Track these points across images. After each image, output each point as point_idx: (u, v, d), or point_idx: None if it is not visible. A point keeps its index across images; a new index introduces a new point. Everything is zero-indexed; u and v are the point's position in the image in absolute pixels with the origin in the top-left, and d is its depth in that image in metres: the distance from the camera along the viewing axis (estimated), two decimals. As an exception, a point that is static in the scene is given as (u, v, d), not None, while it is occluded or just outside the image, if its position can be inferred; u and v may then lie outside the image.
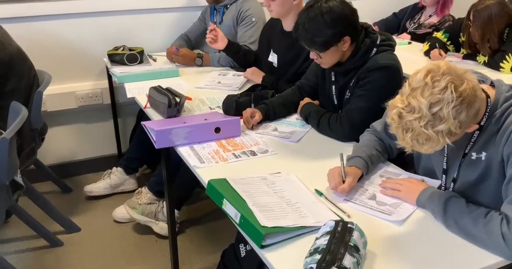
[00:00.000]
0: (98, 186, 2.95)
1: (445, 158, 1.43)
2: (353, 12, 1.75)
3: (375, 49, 1.79)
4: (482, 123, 1.29)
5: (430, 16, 3.48)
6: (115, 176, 2.96)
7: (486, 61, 2.76)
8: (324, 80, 1.98)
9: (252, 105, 1.94)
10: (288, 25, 2.31)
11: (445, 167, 1.44)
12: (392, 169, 1.61)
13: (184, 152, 1.73)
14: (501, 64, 2.66)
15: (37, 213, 2.53)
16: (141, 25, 3.10)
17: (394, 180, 1.49)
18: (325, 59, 1.79)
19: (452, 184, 1.43)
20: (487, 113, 1.28)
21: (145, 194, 2.63)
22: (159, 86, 2.14)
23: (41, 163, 2.93)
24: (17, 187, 2.15)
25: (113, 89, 3.05)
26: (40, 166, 2.91)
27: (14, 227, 2.61)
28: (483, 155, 1.32)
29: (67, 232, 2.63)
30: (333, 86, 1.93)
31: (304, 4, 2.17)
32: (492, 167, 1.30)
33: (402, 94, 1.21)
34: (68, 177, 3.16)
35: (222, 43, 2.55)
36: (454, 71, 1.17)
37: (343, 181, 1.43)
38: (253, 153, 1.73)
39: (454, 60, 2.94)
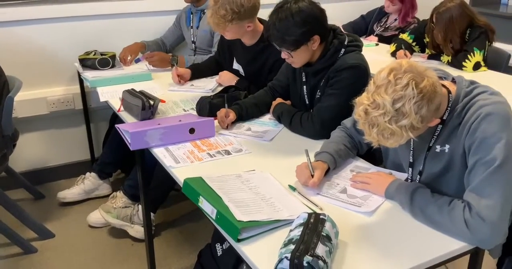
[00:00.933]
0: (72, 192, 2.93)
1: (411, 151, 1.50)
2: (322, 12, 1.81)
3: (343, 50, 1.86)
4: (444, 118, 1.37)
5: (395, 19, 3.59)
6: (89, 181, 2.94)
7: (450, 61, 2.87)
8: (295, 81, 2.04)
9: (226, 105, 1.98)
10: (247, 42, 2.36)
11: (411, 160, 1.51)
12: (361, 164, 1.67)
13: (160, 153, 1.75)
14: (463, 63, 2.77)
15: (10, 220, 2.50)
16: (112, 30, 3.10)
17: (363, 174, 1.56)
18: (296, 58, 1.84)
19: (418, 176, 1.50)
20: (449, 108, 1.35)
21: (120, 198, 2.63)
22: (132, 89, 2.15)
23: (13, 170, 2.89)
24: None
25: (85, 94, 3.04)
26: (12, 173, 2.88)
27: (-14, 235, 2.57)
28: (447, 147, 1.39)
29: (41, 239, 2.60)
30: (304, 86, 1.99)
31: (259, 23, 2.23)
32: (455, 158, 1.38)
33: (368, 92, 1.27)
34: (41, 183, 3.12)
35: (187, 75, 2.59)
36: (415, 68, 1.24)
37: (312, 176, 1.49)
38: (228, 153, 1.77)
39: (419, 60, 3.04)
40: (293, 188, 1.51)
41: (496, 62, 2.96)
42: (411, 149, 1.49)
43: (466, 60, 2.76)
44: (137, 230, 2.56)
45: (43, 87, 3.02)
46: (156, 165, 2.05)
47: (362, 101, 1.27)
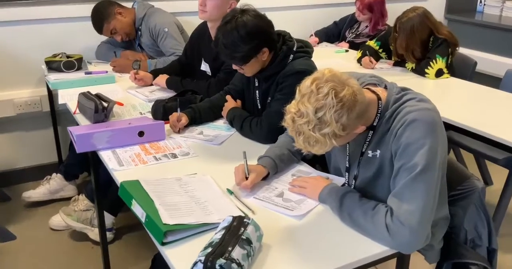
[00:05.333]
0: (37, 191, 2.93)
1: (347, 157, 1.51)
2: (268, 24, 1.83)
3: (291, 56, 1.88)
4: (374, 124, 1.39)
5: (366, 26, 3.62)
6: (54, 182, 2.95)
7: (414, 68, 2.90)
8: (248, 85, 2.06)
9: (179, 109, 1.99)
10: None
11: (347, 165, 1.52)
12: (304, 168, 1.69)
13: (105, 155, 1.76)
14: (426, 70, 2.80)
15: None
16: (82, 32, 3.10)
17: (301, 178, 1.57)
18: (247, 69, 1.87)
19: (353, 181, 1.52)
20: (378, 114, 1.37)
21: (82, 201, 2.63)
22: (88, 92, 2.16)
23: (-23, 172, 2.89)
24: None
25: (52, 96, 3.04)
26: (-23, 175, 2.88)
27: None
28: (378, 153, 1.41)
29: (1, 241, 2.58)
30: (257, 91, 2.01)
31: None
32: (385, 164, 1.40)
33: (295, 100, 1.29)
34: (8, 185, 3.11)
35: (148, 79, 2.60)
36: (337, 77, 1.26)
37: (246, 178, 1.50)
38: (174, 156, 1.78)
39: (385, 67, 3.09)
40: (231, 192, 1.52)
41: (462, 69, 3.00)
42: (347, 154, 1.51)
43: (429, 67, 2.79)
44: (97, 233, 2.55)
45: (10, 89, 3.02)
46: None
47: (290, 109, 1.29)
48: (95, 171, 2.04)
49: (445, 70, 2.80)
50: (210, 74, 2.52)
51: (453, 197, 1.60)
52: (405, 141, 1.29)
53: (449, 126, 2.30)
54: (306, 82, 1.27)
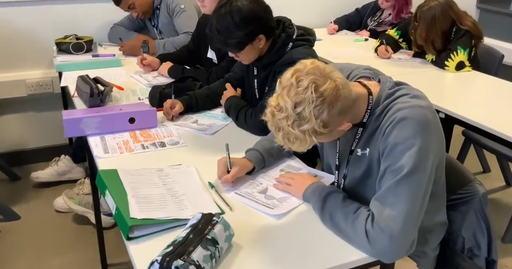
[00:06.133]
0: (45, 172, 2.96)
1: (337, 154, 1.42)
2: (266, 9, 1.72)
3: (291, 44, 1.78)
4: (364, 120, 1.28)
5: (390, 14, 3.45)
6: (62, 163, 2.96)
7: (434, 60, 2.74)
8: (248, 73, 1.97)
9: (173, 96, 1.93)
10: None
11: (337, 163, 1.43)
12: (294, 164, 1.60)
13: (93, 142, 1.72)
14: (446, 62, 2.64)
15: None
16: (95, 14, 3.08)
17: (287, 175, 1.49)
18: (243, 57, 1.78)
19: (343, 180, 1.42)
20: (369, 110, 1.27)
21: (87, 185, 2.62)
22: (86, 75, 2.12)
23: (-12, 151, 2.93)
24: None
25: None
26: (-13, 153, 2.92)
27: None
28: (367, 151, 1.31)
29: (6, 220, 2.62)
30: (255, 80, 1.92)
31: None
32: (374, 163, 1.29)
33: (276, 93, 1.20)
34: (18, 165, 3.15)
35: (156, 65, 2.53)
36: (319, 70, 1.15)
37: (228, 172, 1.43)
38: (163, 145, 1.72)
39: (403, 58, 2.93)
40: (212, 186, 1.45)
41: (488, 63, 2.82)
42: (337, 151, 1.41)
43: (449, 59, 2.63)
44: (98, 217, 2.55)
45: (23, 69, 3.03)
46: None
47: (270, 103, 1.20)
48: (90, 155, 2.01)
49: (466, 63, 2.63)
50: (216, 62, 2.44)
51: (452, 201, 1.48)
52: (393, 140, 1.19)
53: (467, 125, 2.16)
54: (287, 74, 1.18)
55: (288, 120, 1.14)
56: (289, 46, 1.78)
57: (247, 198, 1.40)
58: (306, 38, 1.80)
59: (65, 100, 3.12)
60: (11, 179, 3.05)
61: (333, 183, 1.46)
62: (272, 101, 1.19)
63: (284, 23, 1.80)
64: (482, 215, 1.44)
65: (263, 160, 1.53)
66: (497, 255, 1.46)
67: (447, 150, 2.75)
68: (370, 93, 1.27)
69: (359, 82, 1.30)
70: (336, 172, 1.44)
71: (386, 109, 1.24)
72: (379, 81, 1.32)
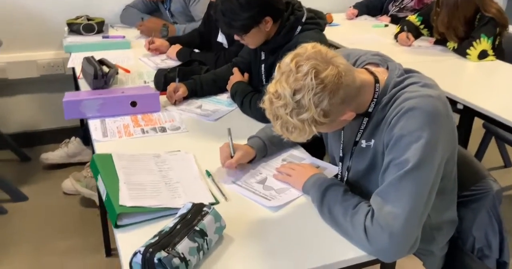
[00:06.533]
0: (55, 154, 2.95)
1: (341, 145, 1.34)
2: None
3: (299, 27, 1.69)
4: (370, 110, 1.20)
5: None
6: (73, 145, 2.95)
7: (455, 48, 2.62)
8: (255, 58, 1.90)
9: (177, 79, 1.87)
10: None
11: (341, 154, 1.35)
12: (297, 153, 1.53)
13: (93, 125, 1.68)
14: (468, 51, 2.52)
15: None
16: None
17: (289, 165, 1.42)
18: (248, 40, 1.71)
19: (346, 172, 1.34)
20: (375, 99, 1.19)
21: (95, 167, 2.60)
22: (92, 57, 2.08)
23: (0, 131, 2.92)
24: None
25: (74, 59, 3.00)
26: (-1, 134, 2.92)
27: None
28: (372, 143, 1.23)
29: (13, 201, 2.62)
30: (263, 65, 1.84)
31: None
32: (378, 156, 1.21)
33: (275, 79, 1.12)
34: (29, 146, 3.15)
35: (165, 48, 2.48)
36: (320, 55, 1.07)
37: (231, 157, 1.37)
38: (163, 130, 1.67)
39: (424, 45, 2.81)
40: (209, 174, 1.39)
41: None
42: (341, 142, 1.34)
43: (471, 48, 2.50)
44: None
45: (34, 50, 3.01)
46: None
47: (269, 89, 1.13)
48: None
49: (490, 52, 2.50)
50: (226, 46, 2.36)
51: (464, 197, 1.39)
52: (398, 132, 1.10)
53: (488, 118, 2.05)
54: (286, 59, 1.10)
55: (286, 108, 1.07)
56: (298, 30, 1.69)
57: (244, 188, 1.33)
58: (316, 21, 1.72)
59: (77, 81, 3.07)
60: (22, 160, 3.05)
61: (336, 176, 1.38)
62: (270, 87, 1.12)
63: (293, 5, 1.72)
64: (494, 214, 1.34)
65: (265, 148, 1.46)
66: (509, 257, 1.37)
67: (466, 144, 2.65)
68: (377, 80, 1.18)
69: (366, 69, 1.22)
70: (340, 164, 1.37)
71: (394, 98, 1.16)
72: (387, 68, 1.23)
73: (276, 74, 1.12)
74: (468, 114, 2.55)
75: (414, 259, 1.40)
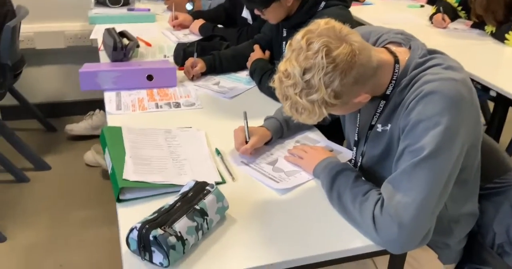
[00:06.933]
0: (79, 125, 2.98)
1: (357, 129, 1.27)
2: None
3: (323, 3, 1.61)
4: (388, 92, 1.13)
5: (452, -22, 3.14)
6: (97, 118, 2.97)
7: (493, 32, 2.47)
8: (277, 35, 1.83)
9: (195, 54, 1.82)
10: None
11: (356, 138, 1.28)
12: (313, 136, 1.47)
13: (107, 97, 1.67)
14: (506, 35, 2.37)
15: (7, 149, 2.57)
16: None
17: (301, 147, 1.36)
18: (269, 15, 1.65)
19: (361, 157, 1.28)
20: (393, 81, 1.11)
21: (117, 140, 2.61)
22: (113, 28, 2.05)
23: (27, 100, 2.96)
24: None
25: (101, 31, 2.99)
26: (26, 103, 2.95)
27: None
28: (388, 127, 1.16)
29: (36, 170, 2.67)
30: (284, 42, 1.78)
31: None
32: (394, 141, 1.15)
33: (285, 57, 1.06)
34: (55, 117, 3.19)
35: (188, 23, 2.44)
36: (333, 32, 1.00)
37: (246, 142, 1.32)
38: (177, 105, 1.63)
39: (460, 28, 2.67)
40: (218, 152, 1.36)
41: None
42: (357, 126, 1.27)
43: (510, 32, 2.35)
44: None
45: (62, 20, 3.01)
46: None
47: (279, 68, 1.07)
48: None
49: (530, 38, 2.35)
50: (251, 22, 2.30)
51: (487, 190, 1.31)
52: (416, 117, 1.03)
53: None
54: (297, 36, 1.04)
55: (295, 88, 1.01)
56: (321, 6, 1.62)
57: (253, 169, 1.29)
58: (342, -3, 1.63)
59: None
60: (47, 130, 3.09)
61: (350, 161, 1.32)
62: (281, 66, 1.06)
63: (317, -20, 1.63)
64: (518, 209, 1.26)
65: (281, 129, 1.41)
66: (531, 255, 1.29)
67: (499, 134, 2.52)
68: (397, 61, 1.10)
69: (386, 48, 1.14)
70: (355, 148, 1.30)
71: (413, 81, 1.08)
72: (410, 48, 1.15)
73: (287, 51, 1.06)
74: (502, 102, 2.42)
75: (428, 251, 1.34)
